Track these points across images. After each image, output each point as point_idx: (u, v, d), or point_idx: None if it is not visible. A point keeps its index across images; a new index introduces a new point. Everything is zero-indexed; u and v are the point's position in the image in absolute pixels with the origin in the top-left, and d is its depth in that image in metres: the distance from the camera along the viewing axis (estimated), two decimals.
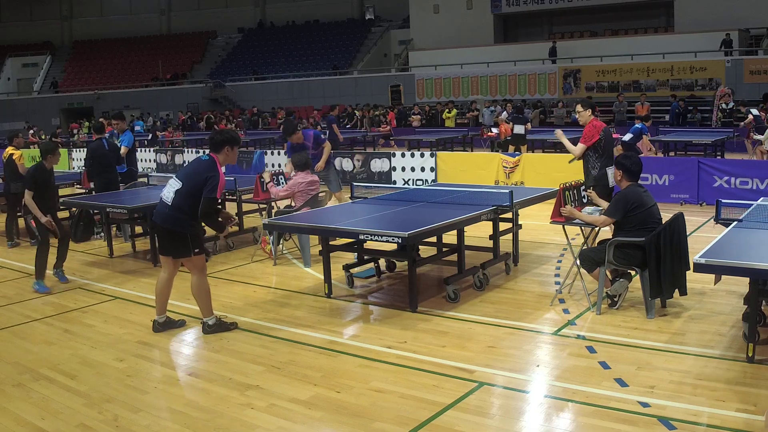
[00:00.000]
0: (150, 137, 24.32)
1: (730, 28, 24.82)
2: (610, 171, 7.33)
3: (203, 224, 6.07)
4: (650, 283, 5.81)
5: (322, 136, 10.23)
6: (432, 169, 14.59)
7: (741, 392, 4.45)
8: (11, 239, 10.17)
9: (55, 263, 8.00)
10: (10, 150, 9.84)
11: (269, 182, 8.49)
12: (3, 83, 40.41)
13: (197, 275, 5.94)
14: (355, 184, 8.93)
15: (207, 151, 6.08)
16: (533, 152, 17.51)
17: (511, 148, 16.98)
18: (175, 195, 5.78)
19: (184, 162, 18.91)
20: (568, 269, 6.86)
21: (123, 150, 10.66)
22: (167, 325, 6.13)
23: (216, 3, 41.76)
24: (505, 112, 20.48)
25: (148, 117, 32.18)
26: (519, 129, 17.49)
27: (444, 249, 7.65)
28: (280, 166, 16.05)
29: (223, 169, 5.91)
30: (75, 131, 30.37)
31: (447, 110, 25.55)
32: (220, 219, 6.12)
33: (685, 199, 11.60)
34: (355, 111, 26.87)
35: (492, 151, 18.55)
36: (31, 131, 28.13)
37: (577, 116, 7.99)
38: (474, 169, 14.15)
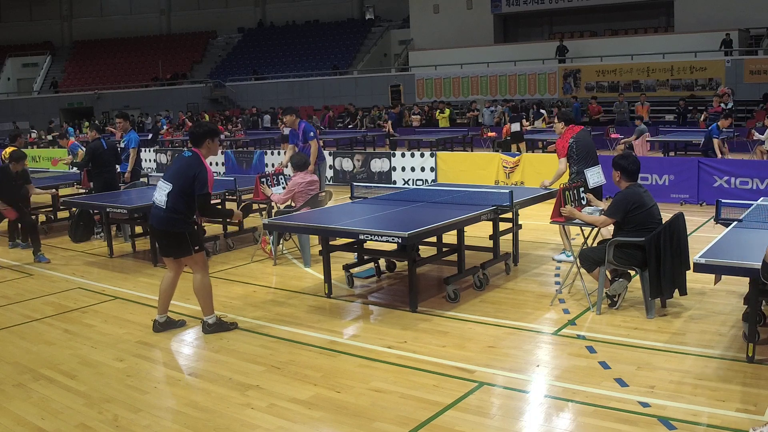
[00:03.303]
0: (150, 137, 24.33)
1: (730, 28, 24.82)
2: (589, 173, 7.37)
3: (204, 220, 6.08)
4: (650, 283, 5.81)
5: (312, 133, 10.16)
6: (432, 169, 14.59)
7: (741, 392, 4.45)
8: (12, 239, 10.17)
9: (33, 250, 9.14)
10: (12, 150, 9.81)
11: (271, 194, 8.47)
12: (3, 83, 40.41)
13: (200, 273, 5.95)
14: (355, 184, 8.93)
15: (189, 146, 6.04)
16: (533, 152, 17.52)
17: (514, 147, 17.00)
18: (168, 197, 5.76)
19: None
20: (568, 269, 6.86)
21: (132, 153, 10.67)
22: (167, 325, 6.13)
23: (216, 3, 41.75)
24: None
25: (147, 117, 32.16)
26: (515, 127, 17.54)
27: (444, 249, 7.65)
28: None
29: (208, 162, 5.88)
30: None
31: (439, 110, 25.52)
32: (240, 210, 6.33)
33: (685, 199, 11.60)
34: (405, 110, 26.44)
35: (493, 150, 18.59)
36: (32, 133, 28.18)
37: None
38: (474, 169, 14.14)
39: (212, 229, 9.79)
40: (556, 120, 8.11)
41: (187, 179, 5.72)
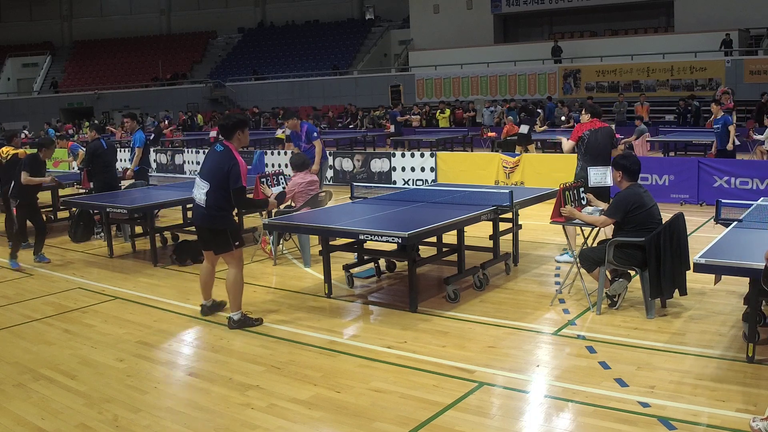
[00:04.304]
0: (152, 137, 24.30)
1: (730, 28, 24.81)
2: (592, 171, 7.37)
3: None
4: (650, 283, 5.81)
5: (315, 133, 10.16)
6: (432, 169, 14.59)
7: (741, 392, 4.45)
8: (11, 239, 10.15)
9: (35, 250, 8.99)
10: (10, 150, 9.80)
11: (271, 194, 8.45)
12: (3, 83, 40.42)
13: (235, 268, 6.09)
14: (355, 184, 8.92)
15: (222, 140, 6.14)
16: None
17: (518, 148, 16.97)
18: (206, 196, 5.90)
19: (184, 162, 18.93)
20: (568, 269, 6.86)
21: (137, 152, 10.72)
22: (214, 308, 6.47)
23: (216, 3, 41.76)
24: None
25: (147, 117, 32.14)
26: (524, 129, 17.50)
27: (444, 249, 7.65)
28: (279, 166, 16.05)
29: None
30: (69, 131, 30.40)
31: (440, 111, 25.49)
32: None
33: (685, 199, 11.60)
34: (415, 111, 26.44)
35: (493, 150, 18.58)
36: (24, 132, 28.22)
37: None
38: (474, 169, 14.14)
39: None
40: (583, 111, 8.13)
41: (222, 174, 5.84)
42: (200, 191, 5.94)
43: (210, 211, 5.93)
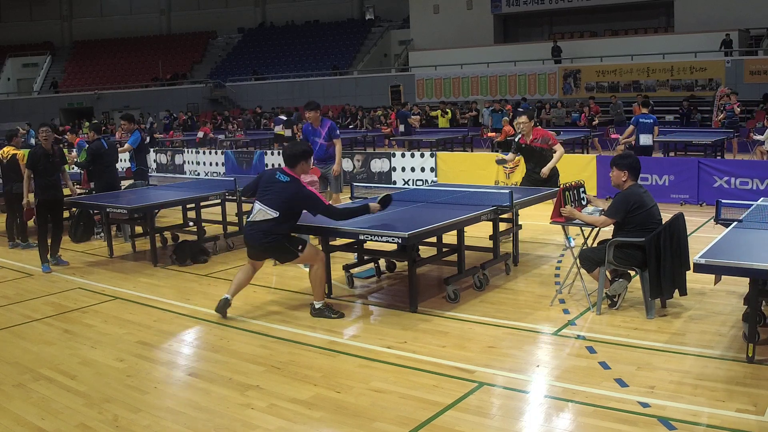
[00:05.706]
0: (148, 140, 24.31)
1: (730, 28, 24.81)
2: None
3: None
4: (650, 283, 5.81)
5: (338, 131, 9.77)
6: (432, 170, 14.60)
7: (741, 392, 4.45)
8: (11, 239, 10.16)
9: (50, 253, 8.67)
10: (10, 150, 9.77)
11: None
12: (3, 83, 40.40)
13: (314, 264, 6.38)
14: (355, 184, 8.92)
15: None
16: None
17: None
18: (268, 222, 6.21)
19: (184, 162, 18.96)
20: (568, 269, 6.86)
21: (127, 146, 10.74)
22: (228, 305, 6.44)
23: (216, 3, 41.76)
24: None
25: (147, 117, 32.13)
26: None
27: (444, 249, 7.64)
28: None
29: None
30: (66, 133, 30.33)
31: (441, 112, 25.42)
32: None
33: (685, 199, 11.60)
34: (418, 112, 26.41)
35: (492, 150, 18.57)
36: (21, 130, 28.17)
37: (521, 127, 8.72)
38: (474, 169, 14.14)
39: (212, 229, 9.79)
40: (526, 119, 8.39)
41: (293, 205, 6.25)
42: (262, 216, 6.16)
43: (268, 237, 6.16)
